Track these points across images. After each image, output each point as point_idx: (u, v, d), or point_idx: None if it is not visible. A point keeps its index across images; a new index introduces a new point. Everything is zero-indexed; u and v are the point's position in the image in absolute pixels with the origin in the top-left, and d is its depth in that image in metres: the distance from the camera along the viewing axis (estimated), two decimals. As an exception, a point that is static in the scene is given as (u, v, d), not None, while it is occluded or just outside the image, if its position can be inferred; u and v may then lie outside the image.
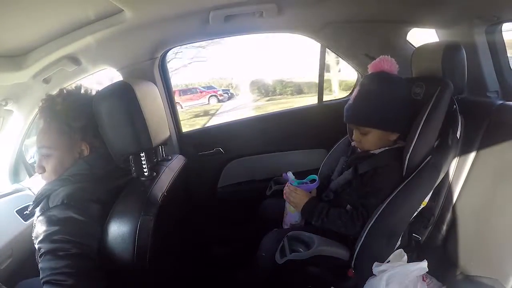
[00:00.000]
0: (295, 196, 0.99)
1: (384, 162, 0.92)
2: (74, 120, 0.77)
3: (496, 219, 0.85)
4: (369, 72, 0.97)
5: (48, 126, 0.78)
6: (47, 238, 0.66)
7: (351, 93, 1.64)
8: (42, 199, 0.73)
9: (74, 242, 0.66)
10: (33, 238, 0.71)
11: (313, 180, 1.05)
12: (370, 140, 0.94)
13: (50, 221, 0.68)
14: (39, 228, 0.68)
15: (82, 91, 0.83)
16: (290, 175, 1.05)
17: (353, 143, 1.08)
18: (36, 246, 0.68)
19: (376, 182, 0.90)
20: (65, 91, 0.81)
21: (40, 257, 0.67)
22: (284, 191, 1.03)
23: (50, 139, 0.77)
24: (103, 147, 0.79)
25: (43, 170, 0.79)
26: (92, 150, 0.80)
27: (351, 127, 1.01)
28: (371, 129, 0.93)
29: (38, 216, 0.70)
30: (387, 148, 0.96)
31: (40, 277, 0.65)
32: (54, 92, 0.83)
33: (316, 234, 0.92)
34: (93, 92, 0.83)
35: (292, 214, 1.04)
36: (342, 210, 0.92)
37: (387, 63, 0.93)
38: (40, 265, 0.66)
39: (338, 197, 0.98)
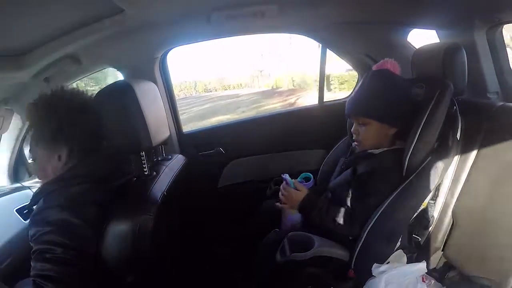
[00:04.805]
0: (293, 193, 0.98)
1: (383, 163, 0.92)
2: (45, 127, 0.75)
3: (496, 220, 0.85)
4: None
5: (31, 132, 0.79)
6: (39, 237, 0.67)
7: (351, 93, 1.64)
8: (39, 198, 0.73)
9: (65, 245, 0.66)
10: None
11: (307, 178, 1.05)
12: (368, 132, 0.94)
13: (44, 221, 0.68)
14: (34, 226, 0.68)
15: (57, 94, 0.80)
16: (287, 177, 1.04)
17: (353, 144, 1.08)
18: (31, 243, 0.69)
19: (374, 182, 0.90)
20: (36, 99, 0.79)
21: (32, 254, 0.67)
22: (280, 193, 1.01)
23: (31, 144, 0.78)
24: (95, 147, 0.78)
25: (36, 172, 0.79)
26: (73, 152, 0.77)
27: (352, 120, 1.00)
28: (370, 120, 0.93)
29: (34, 215, 0.70)
30: (386, 149, 0.96)
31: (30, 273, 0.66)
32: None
33: (316, 234, 0.92)
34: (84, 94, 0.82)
35: (292, 216, 1.03)
36: (342, 209, 0.91)
37: (391, 64, 0.96)
38: (31, 262, 0.67)
39: (337, 197, 0.98)
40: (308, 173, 1.08)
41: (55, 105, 0.76)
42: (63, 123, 0.75)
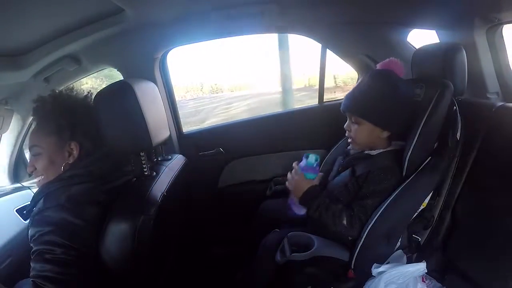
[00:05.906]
0: (300, 181, 0.95)
1: (380, 164, 0.92)
2: (63, 119, 0.77)
3: (496, 220, 0.85)
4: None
5: (38, 125, 0.79)
6: (39, 238, 0.67)
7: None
8: (39, 198, 0.73)
9: (65, 246, 0.66)
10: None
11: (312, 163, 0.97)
12: (360, 132, 0.94)
13: (44, 222, 0.68)
14: (34, 227, 0.68)
15: (74, 92, 0.83)
16: (311, 157, 0.96)
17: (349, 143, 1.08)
18: (31, 244, 0.69)
19: (372, 184, 0.90)
20: (56, 92, 0.82)
21: (31, 255, 0.67)
22: (289, 176, 0.99)
23: (40, 137, 0.78)
24: (98, 147, 0.79)
25: (33, 169, 0.79)
26: (82, 149, 0.78)
27: (346, 116, 0.99)
28: (363, 120, 0.93)
29: (34, 215, 0.70)
30: (382, 150, 0.95)
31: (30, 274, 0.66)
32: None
33: (316, 235, 0.92)
34: (85, 93, 0.84)
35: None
36: (343, 208, 0.90)
37: (395, 65, 0.95)
38: (31, 263, 0.67)
39: (335, 198, 0.97)
40: (315, 155, 0.98)
41: (73, 100, 0.81)
42: (78, 117, 0.77)
